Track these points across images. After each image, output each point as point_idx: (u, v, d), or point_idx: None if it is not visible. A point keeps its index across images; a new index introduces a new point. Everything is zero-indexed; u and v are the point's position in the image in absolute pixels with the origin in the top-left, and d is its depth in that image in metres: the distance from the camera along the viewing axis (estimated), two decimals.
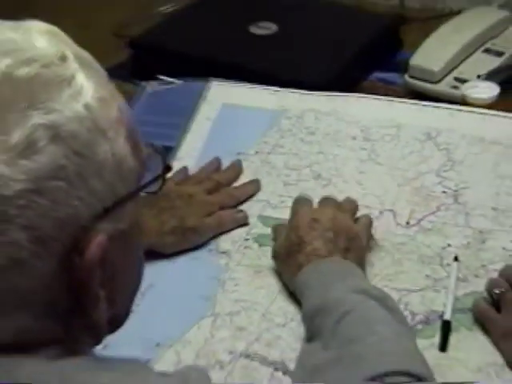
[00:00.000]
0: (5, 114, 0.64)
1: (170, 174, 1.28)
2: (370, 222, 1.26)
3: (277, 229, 1.25)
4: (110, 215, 0.70)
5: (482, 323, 1.11)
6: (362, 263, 1.18)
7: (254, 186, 1.35)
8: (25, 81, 0.66)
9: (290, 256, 1.18)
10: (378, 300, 1.06)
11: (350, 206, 1.27)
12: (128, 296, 0.82)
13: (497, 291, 1.12)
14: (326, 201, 1.26)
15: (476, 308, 1.13)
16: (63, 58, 0.69)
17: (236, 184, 1.38)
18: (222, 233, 1.30)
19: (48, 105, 0.65)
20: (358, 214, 1.27)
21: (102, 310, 0.72)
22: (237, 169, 1.37)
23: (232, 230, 1.30)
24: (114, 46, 1.72)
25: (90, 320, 0.72)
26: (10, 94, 0.65)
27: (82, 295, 0.70)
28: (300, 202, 1.26)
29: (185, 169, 1.38)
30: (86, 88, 0.68)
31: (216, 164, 1.39)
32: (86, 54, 0.73)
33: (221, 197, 1.32)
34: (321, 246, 1.16)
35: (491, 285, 1.15)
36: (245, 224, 1.30)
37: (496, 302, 1.12)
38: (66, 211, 0.66)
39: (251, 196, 1.33)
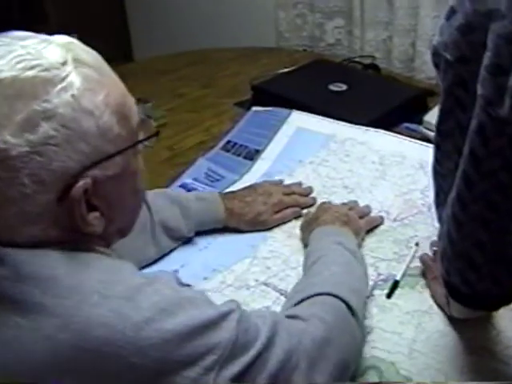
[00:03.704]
0: (14, 103, 0.66)
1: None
2: (372, 221, 1.23)
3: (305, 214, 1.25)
4: (99, 166, 0.71)
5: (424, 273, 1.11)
6: (357, 236, 1.15)
7: (312, 200, 1.31)
8: (28, 80, 0.67)
9: (308, 225, 1.18)
10: (349, 251, 1.05)
11: (363, 209, 1.25)
12: (127, 216, 0.81)
13: (434, 248, 1.13)
14: (347, 203, 1.26)
15: (421, 258, 1.13)
16: (64, 63, 0.69)
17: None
18: None
19: (43, 96, 0.67)
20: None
21: (96, 225, 0.73)
22: (308, 190, 1.33)
23: None
24: (248, 89, 1.76)
25: (87, 231, 0.73)
26: (17, 90, 0.66)
27: (73, 217, 0.71)
28: (326, 203, 1.26)
29: (280, 181, 1.36)
30: (75, 83, 0.69)
31: (298, 183, 1.36)
32: (87, 59, 0.72)
33: (290, 199, 1.29)
34: (328, 219, 1.15)
35: (431, 245, 1.15)
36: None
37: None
38: (57, 165, 0.68)
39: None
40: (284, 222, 1.28)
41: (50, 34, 0.74)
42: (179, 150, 1.58)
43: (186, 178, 1.40)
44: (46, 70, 0.68)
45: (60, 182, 0.69)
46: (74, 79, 0.69)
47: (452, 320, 1.02)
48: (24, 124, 0.66)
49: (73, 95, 0.69)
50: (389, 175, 1.37)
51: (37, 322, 0.67)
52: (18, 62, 0.67)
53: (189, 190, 1.35)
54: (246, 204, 1.25)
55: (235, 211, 1.23)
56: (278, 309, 1.03)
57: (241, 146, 1.50)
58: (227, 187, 1.37)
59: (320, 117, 1.53)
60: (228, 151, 1.49)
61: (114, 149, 0.73)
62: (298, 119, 1.54)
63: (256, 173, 1.42)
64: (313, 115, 1.54)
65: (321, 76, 1.76)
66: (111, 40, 2.83)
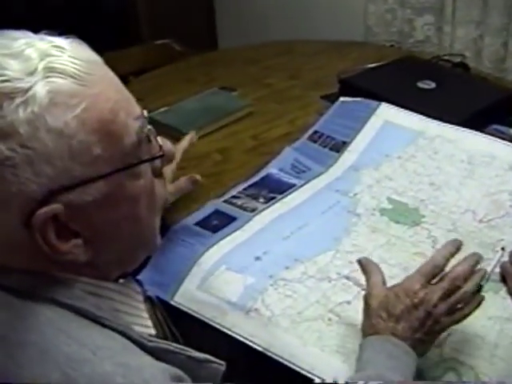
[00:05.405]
0: None
1: None
2: (461, 317, 0.95)
3: (368, 267, 1.00)
4: (75, 190, 0.63)
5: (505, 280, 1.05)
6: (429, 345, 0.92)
7: None
8: None
9: (371, 317, 0.92)
10: None
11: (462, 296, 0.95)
12: (124, 245, 0.71)
13: None
14: (440, 280, 0.95)
15: (502, 265, 1.07)
16: (31, 73, 0.60)
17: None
18: (359, 201, 1.28)
19: None
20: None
21: (77, 253, 0.66)
22: None
23: (365, 201, 1.28)
24: (335, 83, 1.74)
25: (64, 259, 0.65)
26: None
27: (41, 243, 0.63)
28: (421, 275, 0.94)
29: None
30: (38, 96, 0.60)
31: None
32: (67, 67, 0.62)
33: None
34: (390, 325, 0.89)
35: (511, 254, 1.09)
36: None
37: None
38: (16, 187, 0.60)
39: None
40: (368, 217, 1.25)
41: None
42: (264, 140, 1.57)
43: (272, 169, 1.39)
44: (7, 80, 0.60)
45: (23, 205, 0.62)
46: (39, 92, 0.60)
47: None
48: None
49: (33, 111, 0.60)
50: (477, 175, 1.34)
51: None
52: None
53: (274, 181, 1.34)
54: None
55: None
56: (358, 304, 1.01)
57: (328, 137, 1.48)
58: (312, 179, 1.36)
59: (409, 112, 1.50)
60: (315, 142, 1.48)
61: (91, 172, 0.63)
62: (387, 112, 1.50)
63: (342, 165, 1.40)
64: (401, 110, 1.51)
65: (409, 73, 1.72)
66: (197, 27, 2.85)
